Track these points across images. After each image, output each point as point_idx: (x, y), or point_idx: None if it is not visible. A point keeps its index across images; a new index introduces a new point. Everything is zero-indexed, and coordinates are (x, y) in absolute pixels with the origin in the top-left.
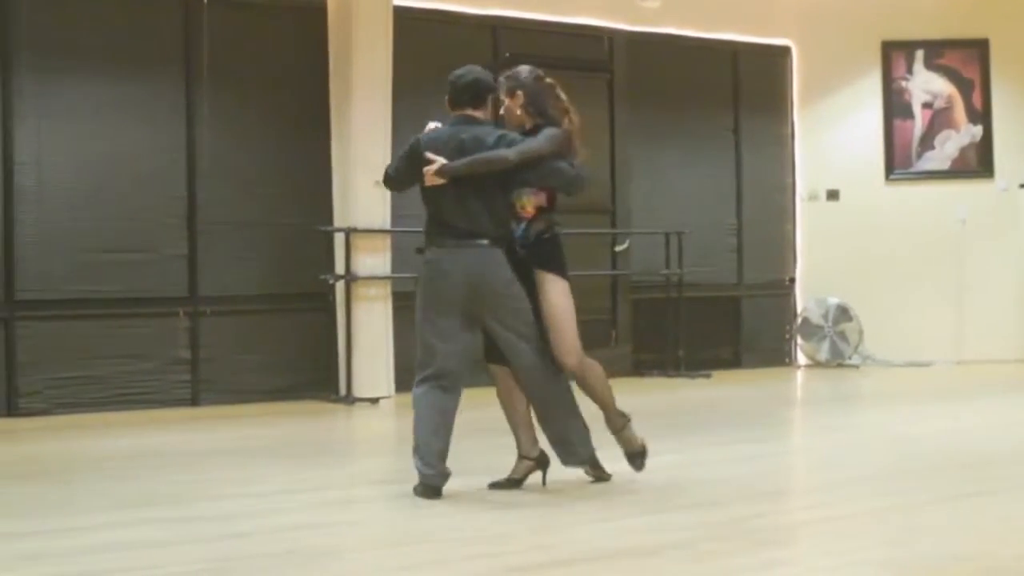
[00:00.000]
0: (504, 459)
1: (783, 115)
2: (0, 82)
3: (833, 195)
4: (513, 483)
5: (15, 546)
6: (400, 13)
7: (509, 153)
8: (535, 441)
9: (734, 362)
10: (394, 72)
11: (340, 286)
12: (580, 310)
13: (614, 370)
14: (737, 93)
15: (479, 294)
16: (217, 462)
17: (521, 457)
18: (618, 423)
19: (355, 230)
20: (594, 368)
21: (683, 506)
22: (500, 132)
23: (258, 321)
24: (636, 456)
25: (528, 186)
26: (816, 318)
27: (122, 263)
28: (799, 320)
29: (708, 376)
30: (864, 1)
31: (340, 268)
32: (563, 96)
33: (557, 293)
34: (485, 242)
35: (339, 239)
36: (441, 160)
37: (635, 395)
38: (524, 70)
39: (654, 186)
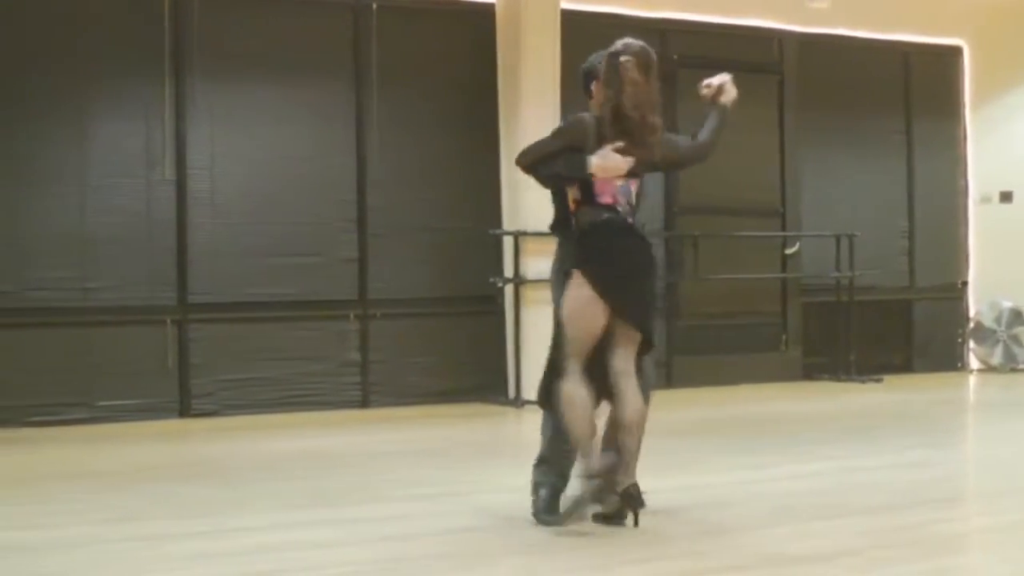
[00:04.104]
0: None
1: (955, 116)
2: (174, 89)
3: (1006, 197)
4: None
5: (187, 545)
6: (568, 16)
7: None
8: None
9: (906, 366)
10: (562, 75)
11: (509, 289)
12: (750, 313)
13: (784, 374)
14: (908, 94)
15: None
16: (386, 463)
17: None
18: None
19: (524, 233)
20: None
21: (853, 512)
22: None
23: (427, 324)
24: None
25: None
26: (989, 322)
27: (293, 267)
28: (972, 324)
29: (879, 381)
30: None
31: (509, 271)
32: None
33: None
34: None
35: (508, 242)
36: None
37: (806, 400)
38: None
39: (825, 188)
